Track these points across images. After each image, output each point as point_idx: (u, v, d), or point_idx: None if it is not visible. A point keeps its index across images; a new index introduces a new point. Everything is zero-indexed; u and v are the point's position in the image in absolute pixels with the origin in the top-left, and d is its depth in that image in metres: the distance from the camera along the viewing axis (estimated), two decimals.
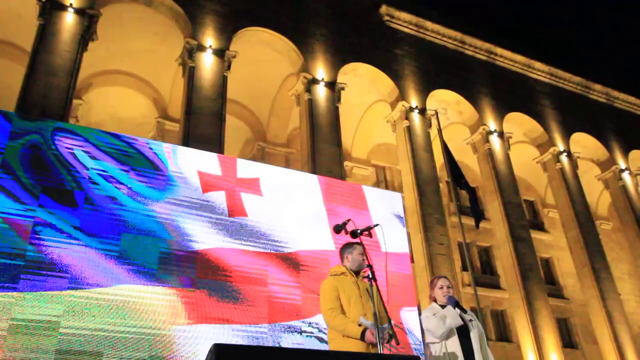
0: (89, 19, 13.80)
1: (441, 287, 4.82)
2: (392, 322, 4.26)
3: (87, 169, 7.32)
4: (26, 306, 6.14)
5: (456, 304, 4.67)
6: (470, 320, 4.65)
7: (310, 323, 7.64)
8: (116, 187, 7.36)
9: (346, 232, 4.47)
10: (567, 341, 21.34)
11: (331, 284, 4.36)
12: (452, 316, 4.54)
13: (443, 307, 4.71)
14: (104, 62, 17.04)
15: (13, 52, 16.37)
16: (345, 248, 4.64)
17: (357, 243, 4.54)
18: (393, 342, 4.05)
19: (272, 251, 7.98)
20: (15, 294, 6.17)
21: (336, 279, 4.41)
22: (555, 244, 23.84)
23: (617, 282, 19.98)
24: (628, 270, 24.37)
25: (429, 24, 20.59)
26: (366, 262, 4.33)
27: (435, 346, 4.54)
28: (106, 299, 6.53)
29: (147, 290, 6.81)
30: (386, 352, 3.91)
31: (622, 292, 21.22)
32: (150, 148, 7.98)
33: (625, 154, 23.67)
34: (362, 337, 4.01)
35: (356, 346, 4.02)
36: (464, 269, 20.01)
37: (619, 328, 17.68)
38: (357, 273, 4.50)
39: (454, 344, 4.46)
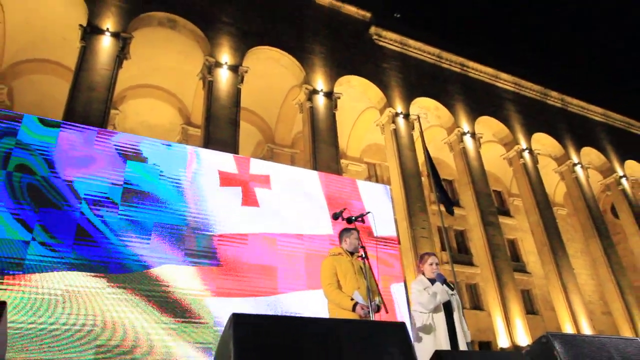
0: (123, 41, 13.77)
1: (431, 264, 4.72)
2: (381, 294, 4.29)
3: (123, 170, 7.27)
4: None
5: (444, 281, 4.59)
6: (452, 295, 4.61)
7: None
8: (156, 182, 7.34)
9: (343, 219, 4.49)
10: (530, 309, 21.39)
11: (330, 263, 4.37)
12: (442, 292, 4.48)
13: (431, 280, 4.62)
14: (136, 77, 17.01)
15: (59, 70, 16.37)
16: (344, 232, 4.65)
17: (354, 229, 4.56)
18: (383, 309, 4.09)
19: (281, 233, 7.99)
20: None
21: (334, 258, 4.43)
22: (519, 227, 23.86)
23: (571, 259, 20.01)
24: (580, 248, 24.44)
25: (411, 42, 20.50)
26: (360, 244, 4.36)
27: (423, 316, 4.48)
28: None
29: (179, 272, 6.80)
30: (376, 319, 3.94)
31: (575, 267, 21.28)
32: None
33: (578, 150, 23.64)
34: (354, 309, 4.02)
35: (350, 317, 4.01)
36: (443, 249, 20.02)
37: (573, 297, 17.71)
38: (352, 254, 4.51)
39: (439, 316, 4.44)
